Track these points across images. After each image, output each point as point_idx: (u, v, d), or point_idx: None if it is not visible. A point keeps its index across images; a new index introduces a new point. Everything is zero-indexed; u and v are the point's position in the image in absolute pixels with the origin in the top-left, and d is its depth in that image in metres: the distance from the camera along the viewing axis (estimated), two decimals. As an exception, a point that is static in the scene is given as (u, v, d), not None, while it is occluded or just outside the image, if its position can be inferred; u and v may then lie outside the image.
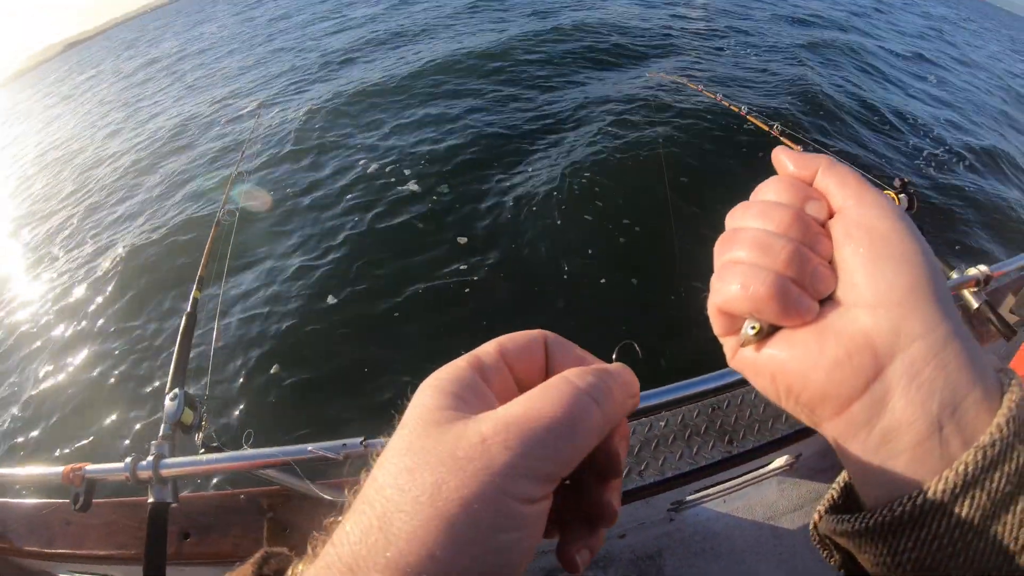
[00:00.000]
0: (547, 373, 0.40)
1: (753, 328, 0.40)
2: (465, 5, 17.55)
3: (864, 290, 0.37)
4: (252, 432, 1.43)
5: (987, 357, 0.36)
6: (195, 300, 1.91)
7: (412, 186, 6.79)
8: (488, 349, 0.40)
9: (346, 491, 0.35)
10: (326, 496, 1.60)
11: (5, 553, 2.10)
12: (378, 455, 0.35)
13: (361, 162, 7.58)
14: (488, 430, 0.32)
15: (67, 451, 4.80)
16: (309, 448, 1.29)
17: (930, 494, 0.32)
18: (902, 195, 2.09)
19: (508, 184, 6.58)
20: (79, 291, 6.95)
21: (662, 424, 1.88)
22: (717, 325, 0.44)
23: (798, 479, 2.24)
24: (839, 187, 0.41)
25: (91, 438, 4.83)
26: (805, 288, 0.39)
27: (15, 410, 5.46)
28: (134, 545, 1.87)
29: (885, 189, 2.13)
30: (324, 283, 5.39)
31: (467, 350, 0.40)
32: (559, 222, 5.89)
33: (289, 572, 0.39)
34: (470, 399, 0.35)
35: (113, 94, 20.19)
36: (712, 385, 1.38)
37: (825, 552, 0.43)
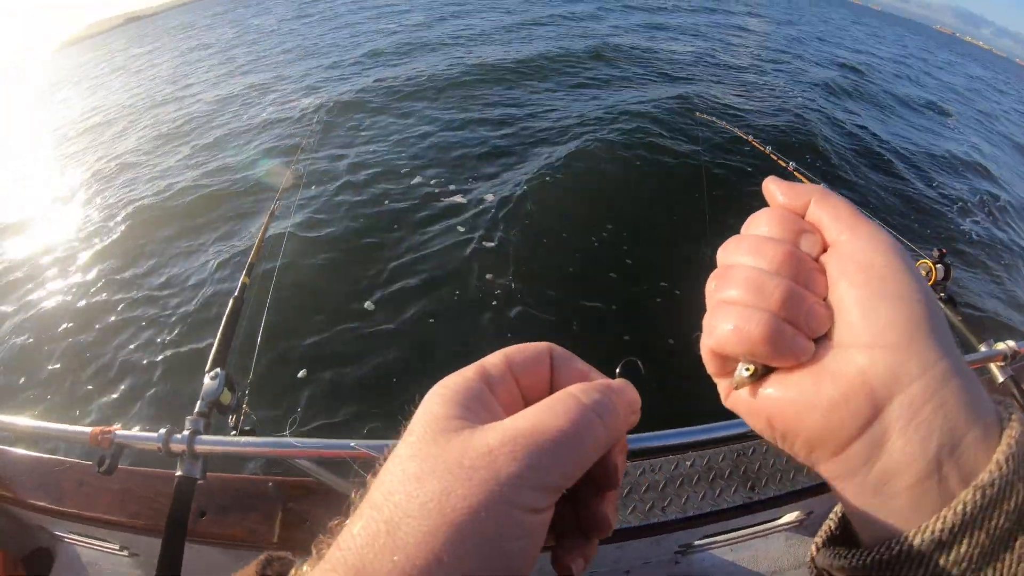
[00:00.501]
0: (552, 386, 0.41)
1: (747, 370, 0.39)
2: (516, 23, 18.00)
3: (860, 329, 0.36)
4: (297, 419, 1.44)
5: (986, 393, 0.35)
6: (243, 285, 1.93)
7: (456, 197, 6.89)
8: (495, 360, 0.40)
9: (352, 494, 0.36)
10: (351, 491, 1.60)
11: (7, 502, 2.10)
12: (385, 460, 0.36)
13: (403, 170, 7.70)
14: (495, 441, 0.33)
15: (75, 408, 4.90)
16: (352, 444, 1.30)
17: (928, 533, 0.32)
18: (939, 265, 2.09)
19: (547, 195, 6.68)
20: (106, 252, 7.12)
21: (688, 464, 1.89)
22: (710, 366, 0.44)
23: (806, 536, 2.22)
24: (833, 220, 0.40)
25: (100, 399, 4.93)
26: (800, 328, 0.38)
27: (32, 361, 5.57)
28: (146, 515, 1.88)
29: (922, 258, 2.13)
30: (361, 288, 5.49)
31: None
32: (593, 242, 5.96)
33: (292, 573, 0.39)
34: (477, 409, 0.36)
35: (166, 70, 20.55)
36: (740, 431, 1.38)
37: None
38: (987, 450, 0.33)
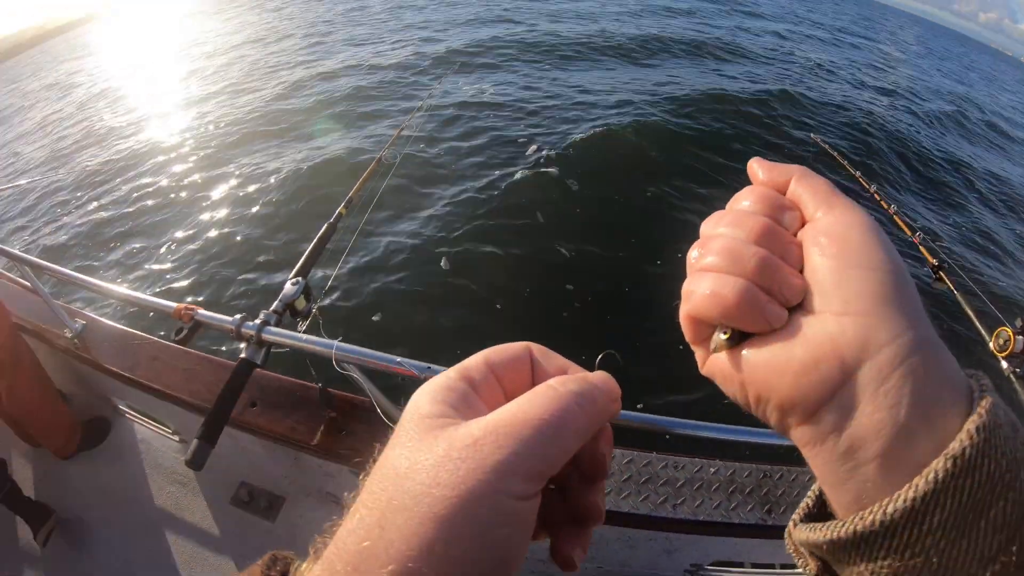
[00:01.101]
0: (533, 383, 0.42)
1: (725, 334, 0.40)
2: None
3: (832, 297, 0.37)
4: (345, 333, 1.54)
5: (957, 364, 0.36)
6: (339, 215, 2.07)
7: (548, 165, 6.95)
8: (476, 362, 0.42)
9: (344, 495, 0.39)
10: (395, 414, 1.72)
11: (87, 364, 2.33)
12: (375, 461, 0.38)
13: (510, 126, 7.89)
14: (479, 432, 0.34)
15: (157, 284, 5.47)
16: (397, 360, 1.41)
17: (900, 502, 0.32)
18: (1019, 337, 2.01)
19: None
20: (213, 156, 7.92)
21: (712, 471, 1.88)
22: (688, 332, 0.45)
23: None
24: (811, 197, 0.42)
25: (179, 282, 5.45)
26: (774, 295, 0.39)
27: (136, 245, 6.25)
28: (204, 396, 2.04)
29: (1003, 326, 2.06)
30: (440, 243, 5.66)
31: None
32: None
33: (292, 571, 0.39)
34: (461, 407, 0.37)
35: (297, 12, 21.47)
36: (761, 440, 1.39)
37: (800, 561, 0.43)
38: (958, 418, 0.33)
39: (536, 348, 0.44)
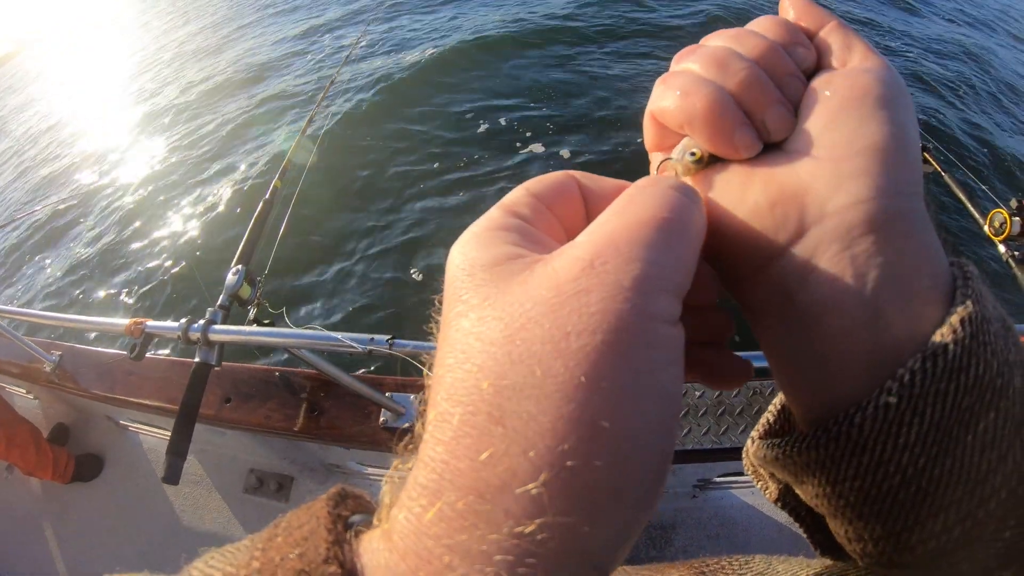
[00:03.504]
0: (588, 213, 0.32)
1: (693, 155, 0.33)
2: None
3: (815, 140, 0.30)
4: (286, 309, 1.53)
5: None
6: (275, 189, 1.96)
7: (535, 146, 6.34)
8: (517, 195, 0.31)
9: (415, 401, 0.30)
10: (356, 386, 1.75)
11: (73, 393, 2.41)
12: (430, 368, 0.26)
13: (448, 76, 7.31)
14: (587, 253, 0.24)
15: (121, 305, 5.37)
16: (339, 337, 1.38)
17: (870, 410, 0.26)
18: (1016, 218, 1.85)
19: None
20: (166, 156, 7.57)
21: (697, 395, 1.81)
22: (648, 134, 0.38)
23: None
24: (841, 47, 0.34)
25: (149, 298, 5.33)
26: (754, 121, 0.32)
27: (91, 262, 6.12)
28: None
29: (997, 208, 1.91)
30: (383, 203, 5.43)
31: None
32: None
33: (375, 517, 0.25)
34: (527, 244, 0.27)
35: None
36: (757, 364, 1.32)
37: (760, 483, 0.38)
38: (938, 305, 0.27)
39: (580, 174, 0.33)
